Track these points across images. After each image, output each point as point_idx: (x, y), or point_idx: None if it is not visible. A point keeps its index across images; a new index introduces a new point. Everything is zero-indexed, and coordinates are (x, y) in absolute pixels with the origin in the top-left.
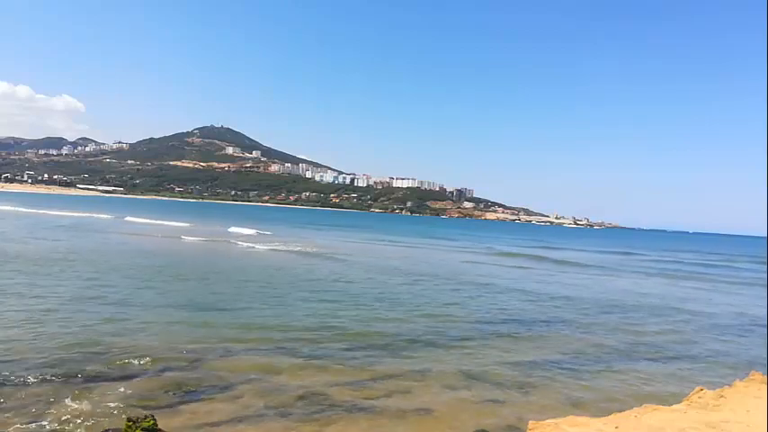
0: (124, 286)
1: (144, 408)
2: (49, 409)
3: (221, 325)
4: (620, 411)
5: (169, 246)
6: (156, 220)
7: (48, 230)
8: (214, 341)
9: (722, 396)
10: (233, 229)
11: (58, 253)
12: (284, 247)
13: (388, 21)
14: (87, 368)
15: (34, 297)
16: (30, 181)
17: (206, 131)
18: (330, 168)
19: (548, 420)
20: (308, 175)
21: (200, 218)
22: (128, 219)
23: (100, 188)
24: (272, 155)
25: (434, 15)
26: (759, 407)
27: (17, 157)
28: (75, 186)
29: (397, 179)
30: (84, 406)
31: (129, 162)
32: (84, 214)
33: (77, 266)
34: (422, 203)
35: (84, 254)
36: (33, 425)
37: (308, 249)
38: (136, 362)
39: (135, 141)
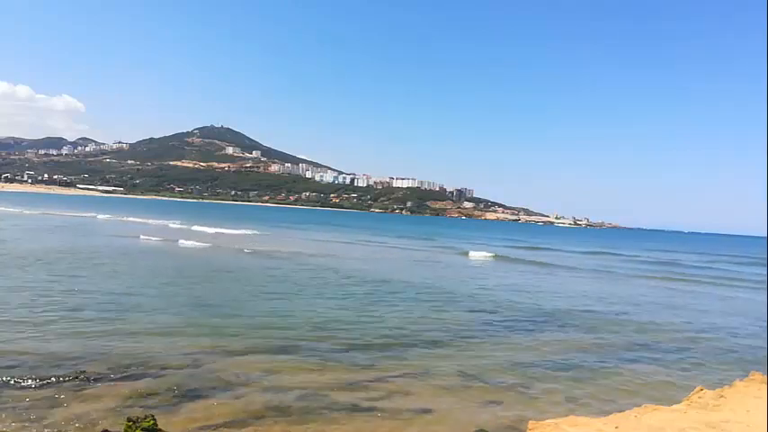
0: (101, 284)
1: (144, 408)
2: (49, 409)
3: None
4: (620, 411)
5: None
6: (133, 218)
7: (24, 231)
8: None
9: (722, 396)
10: (196, 228)
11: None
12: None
13: (388, 21)
14: (86, 368)
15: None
16: (30, 181)
17: (206, 131)
18: (330, 168)
19: (548, 420)
20: (308, 175)
21: (185, 217)
22: (100, 217)
23: (100, 188)
24: (272, 155)
25: (435, 15)
26: (759, 407)
27: (17, 157)
28: (75, 186)
29: (397, 179)
30: (84, 406)
31: (129, 162)
32: (66, 214)
33: (55, 263)
34: (422, 203)
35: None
36: (33, 426)
37: (260, 249)
38: (135, 362)
39: (135, 141)
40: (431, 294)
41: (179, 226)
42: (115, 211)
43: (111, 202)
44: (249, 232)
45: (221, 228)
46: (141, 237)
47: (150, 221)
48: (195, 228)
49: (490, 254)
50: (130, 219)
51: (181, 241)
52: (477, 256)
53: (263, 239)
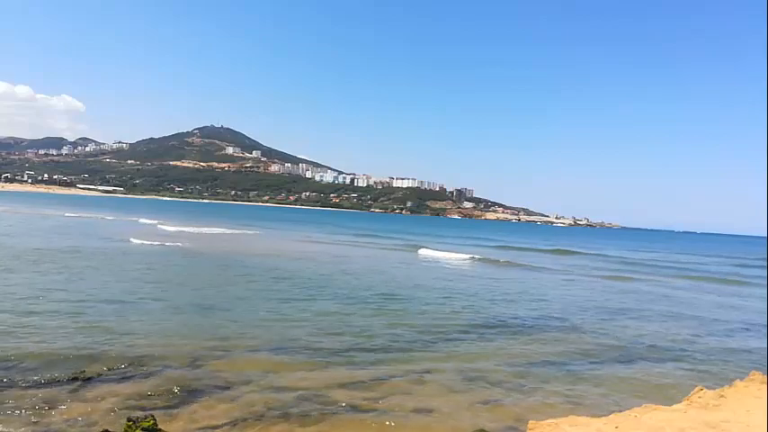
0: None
1: (144, 408)
2: (49, 409)
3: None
4: (620, 411)
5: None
6: (110, 216)
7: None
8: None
9: (722, 396)
10: (162, 227)
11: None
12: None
13: (388, 21)
14: (86, 369)
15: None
16: (30, 181)
17: (206, 131)
18: (330, 168)
19: (548, 420)
20: (308, 175)
21: (170, 217)
22: (68, 214)
23: (100, 188)
24: (272, 155)
25: (434, 16)
26: (759, 407)
27: (17, 156)
28: (76, 186)
29: (397, 179)
30: (84, 406)
31: (129, 162)
32: (31, 212)
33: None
34: (422, 203)
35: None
36: (33, 426)
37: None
38: (135, 362)
39: (135, 141)
40: (426, 294)
41: (149, 223)
42: (101, 211)
43: (106, 202)
44: (217, 231)
45: (190, 227)
46: (100, 236)
47: (123, 219)
48: (161, 226)
49: (468, 255)
50: (106, 217)
51: (132, 240)
52: (458, 257)
53: (224, 238)
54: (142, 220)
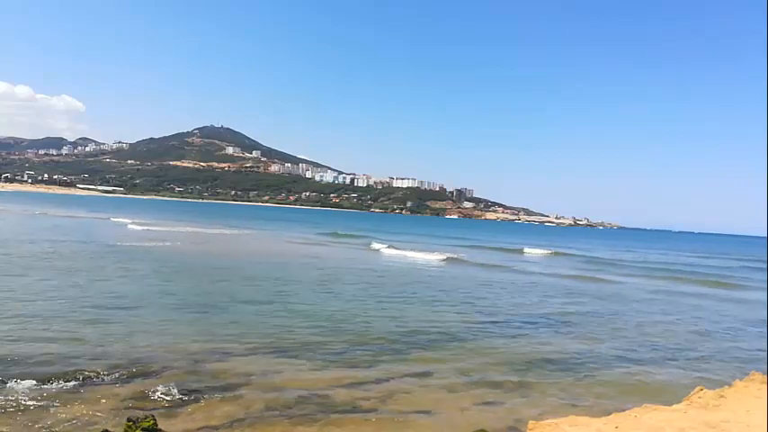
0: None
1: (144, 408)
2: (49, 410)
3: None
4: (620, 411)
5: None
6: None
7: None
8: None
9: (722, 396)
10: (131, 226)
11: None
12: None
13: (388, 21)
14: (86, 369)
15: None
16: (30, 181)
17: (206, 131)
18: (330, 168)
19: (548, 420)
20: (308, 175)
21: (159, 217)
22: (38, 212)
23: (100, 188)
24: (272, 155)
25: (434, 16)
26: (759, 407)
27: (17, 156)
28: (76, 186)
29: (397, 179)
30: (84, 407)
31: (129, 162)
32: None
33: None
34: (422, 203)
35: None
36: (33, 426)
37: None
38: (135, 362)
39: (135, 141)
40: (426, 291)
41: (121, 221)
42: (81, 210)
43: (98, 202)
44: (184, 229)
45: (165, 227)
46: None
47: (96, 218)
48: (131, 226)
49: (444, 256)
50: (90, 216)
51: (100, 238)
52: (437, 256)
53: (187, 236)
54: (114, 219)
